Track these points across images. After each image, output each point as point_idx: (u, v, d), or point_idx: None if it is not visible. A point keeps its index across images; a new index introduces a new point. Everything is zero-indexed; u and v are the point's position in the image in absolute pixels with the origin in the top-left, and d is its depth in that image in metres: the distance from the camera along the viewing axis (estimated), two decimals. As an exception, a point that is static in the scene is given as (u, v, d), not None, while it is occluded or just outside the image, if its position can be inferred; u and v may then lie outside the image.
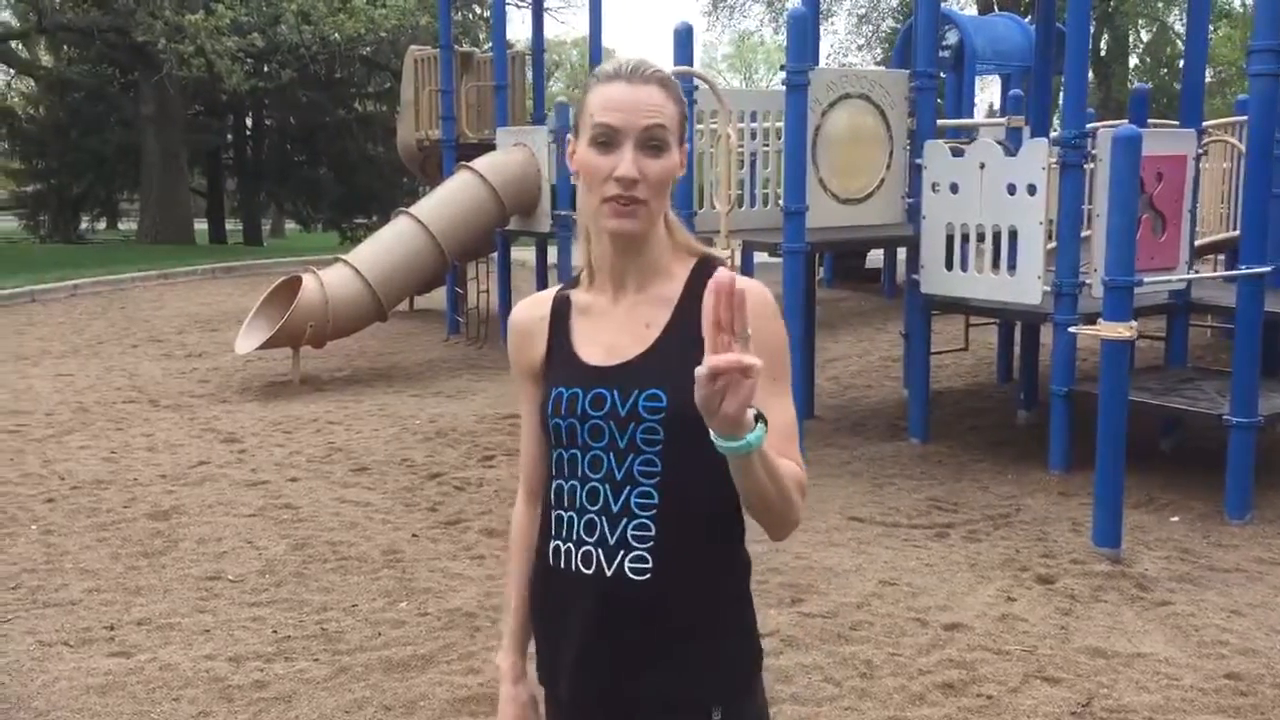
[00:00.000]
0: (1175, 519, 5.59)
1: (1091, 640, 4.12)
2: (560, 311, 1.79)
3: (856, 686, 3.77)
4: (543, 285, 12.25)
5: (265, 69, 21.48)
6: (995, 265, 6.37)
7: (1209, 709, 3.63)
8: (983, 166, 6.35)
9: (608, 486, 1.67)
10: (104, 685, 3.80)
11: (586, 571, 1.68)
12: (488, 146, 11.05)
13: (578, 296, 1.78)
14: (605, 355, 1.72)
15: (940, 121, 7.95)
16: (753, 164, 7.57)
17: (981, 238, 6.41)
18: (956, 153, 6.69)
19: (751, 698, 1.74)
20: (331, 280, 9.21)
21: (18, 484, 6.19)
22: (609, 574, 1.66)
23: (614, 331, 1.72)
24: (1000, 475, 6.33)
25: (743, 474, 1.51)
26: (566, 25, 32.16)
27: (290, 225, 35.41)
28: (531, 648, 1.84)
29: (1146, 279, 5.47)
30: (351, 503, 5.90)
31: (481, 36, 23.00)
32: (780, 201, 6.79)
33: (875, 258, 14.76)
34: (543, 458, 1.81)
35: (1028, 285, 6.18)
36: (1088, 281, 6.10)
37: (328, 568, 4.93)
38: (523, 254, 13.01)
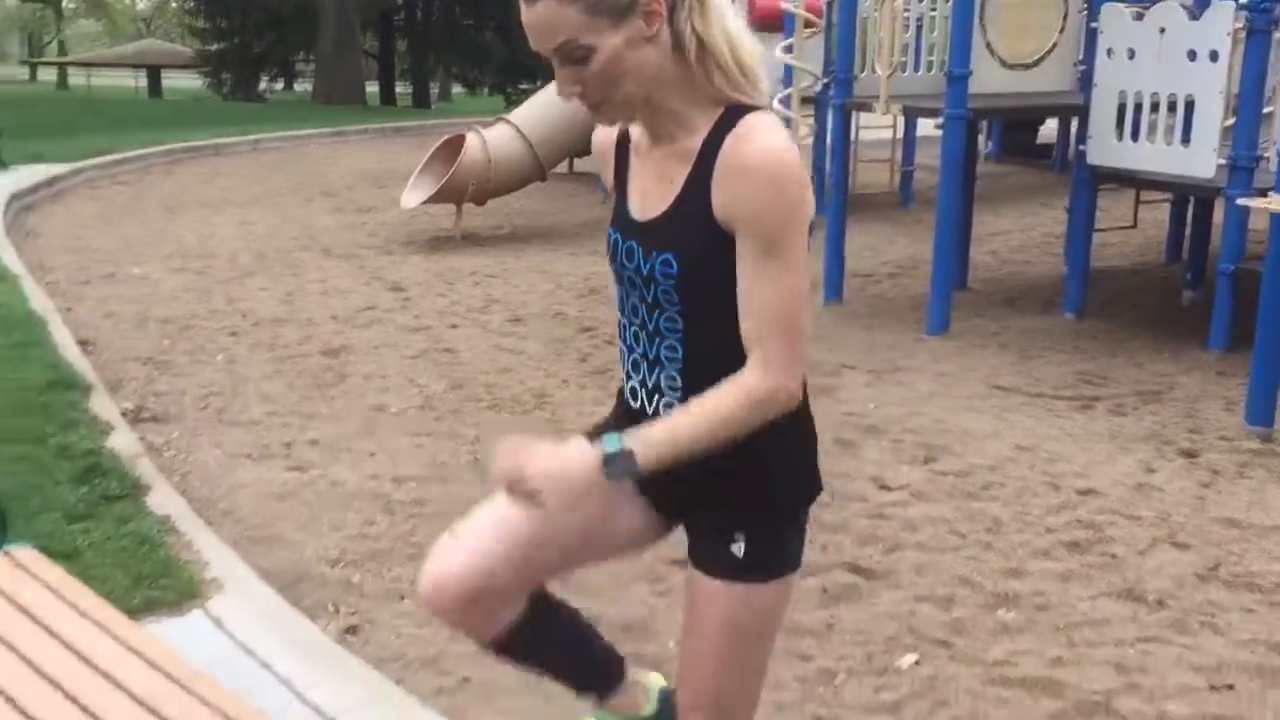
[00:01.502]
0: (1338, 404, 5.40)
1: (1229, 512, 4.09)
2: (623, 141, 1.77)
3: (981, 539, 3.86)
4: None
5: (436, -70, 21.62)
6: (1168, 136, 6.11)
7: (1345, 584, 3.59)
8: (1162, 31, 6.05)
9: (644, 334, 1.72)
10: (281, 493, 4.19)
11: (634, 405, 1.78)
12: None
13: (635, 129, 1.74)
14: (641, 205, 1.70)
15: (1122, -16, 7.54)
16: (919, 28, 7.38)
17: (1155, 107, 6.15)
18: (1136, 16, 6.38)
19: (780, 532, 1.76)
20: (494, 139, 9.43)
21: (206, 319, 6.69)
22: (649, 413, 1.74)
23: (650, 179, 1.70)
24: (1156, 353, 6.19)
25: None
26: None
27: (457, 90, 35.92)
28: None
29: (1330, 152, 5.19)
30: (506, 350, 6.19)
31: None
32: (945, 66, 6.62)
33: (1047, 133, 14.20)
34: None
35: (1201, 157, 5.92)
36: (1265, 155, 5.81)
37: (482, 406, 5.23)
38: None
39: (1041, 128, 14.57)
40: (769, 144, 1.55)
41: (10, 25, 55.91)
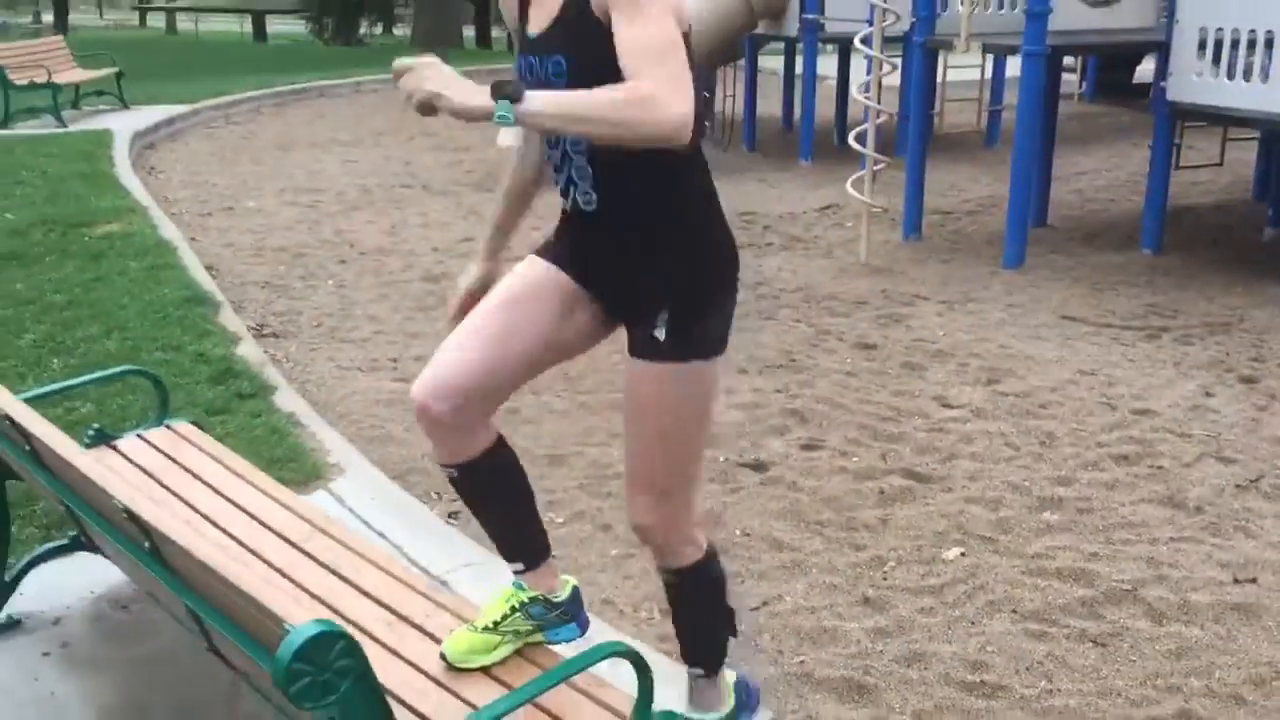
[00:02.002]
0: None
1: None
2: None
3: (1034, 451, 4.12)
4: (789, 93, 12.39)
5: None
6: (1248, 73, 6.17)
7: (1384, 499, 3.78)
8: (1246, -34, 6.08)
9: (555, 136, 1.94)
10: (390, 400, 4.61)
11: (566, 205, 2.03)
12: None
13: None
14: (535, 24, 1.92)
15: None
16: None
17: (1236, 43, 6.20)
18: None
19: (696, 318, 1.96)
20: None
21: (317, 248, 7.17)
22: (568, 204, 2.01)
23: (541, 1, 1.92)
24: (1229, 288, 6.30)
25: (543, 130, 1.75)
26: None
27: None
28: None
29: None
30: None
31: None
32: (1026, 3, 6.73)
33: (1144, 73, 13.99)
34: None
35: (1281, 93, 5.98)
36: (1347, 90, 5.85)
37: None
38: (769, 61, 13.11)
39: (1138, 67, 14.37)
40: None
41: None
